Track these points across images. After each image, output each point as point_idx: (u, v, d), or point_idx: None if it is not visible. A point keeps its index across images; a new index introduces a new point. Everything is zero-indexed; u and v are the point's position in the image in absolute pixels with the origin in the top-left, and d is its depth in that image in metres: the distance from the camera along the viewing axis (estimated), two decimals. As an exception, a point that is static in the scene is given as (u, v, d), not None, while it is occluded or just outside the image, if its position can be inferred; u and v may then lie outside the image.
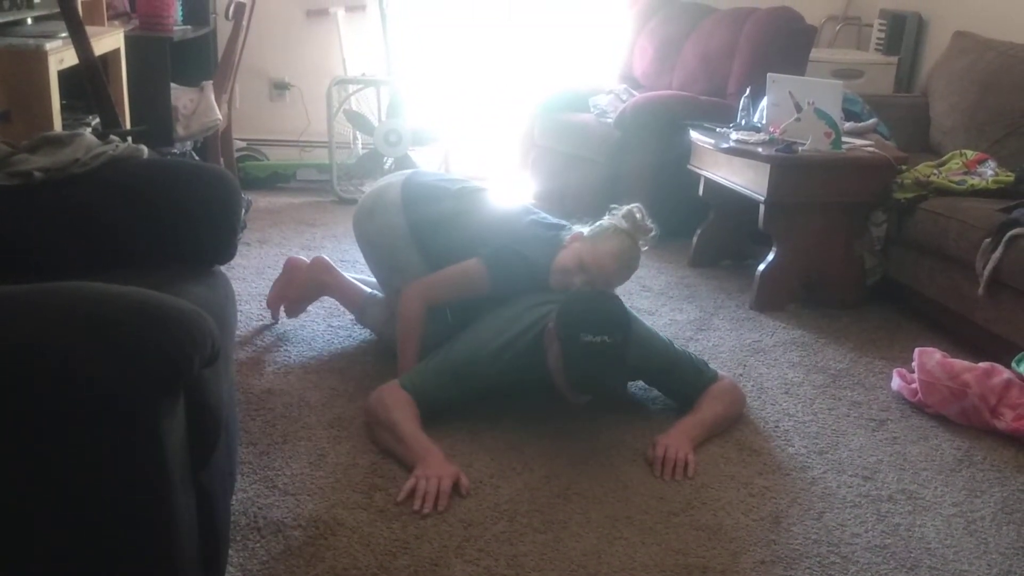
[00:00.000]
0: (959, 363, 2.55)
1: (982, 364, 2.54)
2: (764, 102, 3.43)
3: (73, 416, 1.17)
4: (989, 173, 3.15)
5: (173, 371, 1.20)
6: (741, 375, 2.74)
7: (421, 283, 2.48)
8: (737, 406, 2.46)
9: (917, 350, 2.63)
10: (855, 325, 3.19)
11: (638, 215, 2.50)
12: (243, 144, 4.72)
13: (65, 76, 2.66)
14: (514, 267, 2.43)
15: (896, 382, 2.67)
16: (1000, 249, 2.70)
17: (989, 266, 2.72)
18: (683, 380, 2.45)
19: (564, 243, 2.48)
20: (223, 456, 1.71)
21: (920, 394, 2.55)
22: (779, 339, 3.04)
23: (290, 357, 2.66)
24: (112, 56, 3.12)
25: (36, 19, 2.83)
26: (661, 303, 3.30)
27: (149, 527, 1.24)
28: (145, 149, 2.05)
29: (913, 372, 2.61)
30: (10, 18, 2.64)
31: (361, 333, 2.86)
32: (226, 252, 1.96)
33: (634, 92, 4.25)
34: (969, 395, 2.46)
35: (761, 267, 3.31)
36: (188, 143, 3.83)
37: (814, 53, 4.24)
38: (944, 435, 2.44)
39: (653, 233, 2.48)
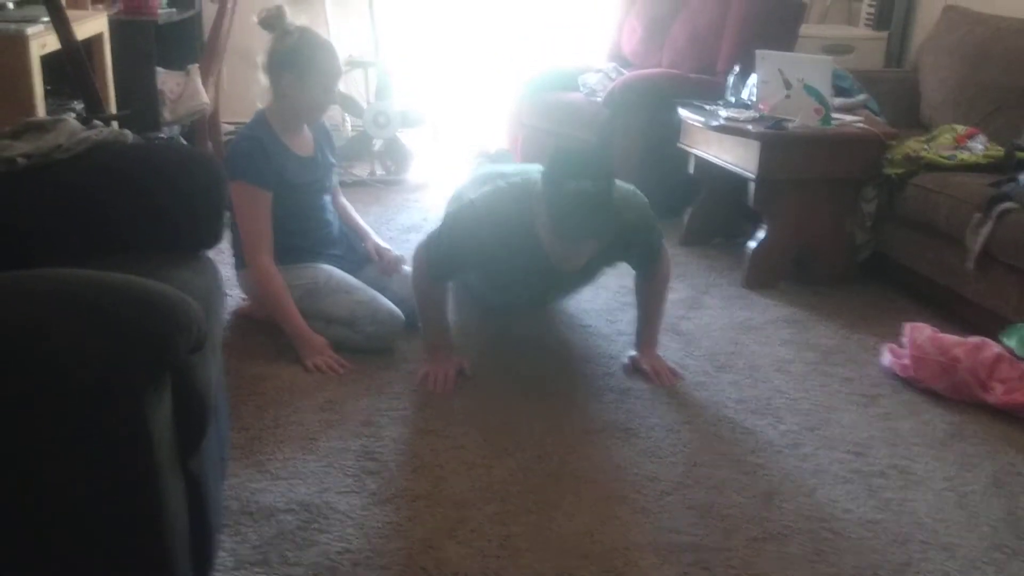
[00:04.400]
0: (949, 338, 2.56)
1: (972, 338, 2.55)
2: (753, 79, 3.42)
3: (57, 401, 1.16)
4: (979, 148, 3.14)
5: (158, 356, 1.19)
6: (733, 353, 2.74)
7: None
8: (667, 290, 2.66)
9: (907, 325, 2.63)
10: (846, 302, 3.19)
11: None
12: (232, 128, 4.68)
13: (49, 61, 2.63)
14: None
15: (887, 358, 2.67)
16: (990, 224, 2.70)
17: (979, 241, 2.72)
18: (644, 256, 2.53)
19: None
20: (213, 443, 1.70)
21: (911, 369, 2.56)
22: (770, 317, 3.04)
23: (280, 341, 2.64)
24: (96, 40, 3.09)
25: (18, 3, 2.80)
26: (652, 282, 3.29)
27: (137, 513, 1.24)
28: (129, 134, 2.03)
29: (904, 347, 2.61)
30: (-10, 3, 2.61)
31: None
32: (212, 237, 1.93)
33: (623, 71, 4.23)
34: (959, 369, 2.46)
35: (752, 245, 3.31)
36: (176, 127, 3.79)
37: (804, 29, 4.22)
38: (935, 410, 2.45)
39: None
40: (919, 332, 2.58)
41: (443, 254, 2.39)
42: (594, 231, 2.15)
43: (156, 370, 1.22)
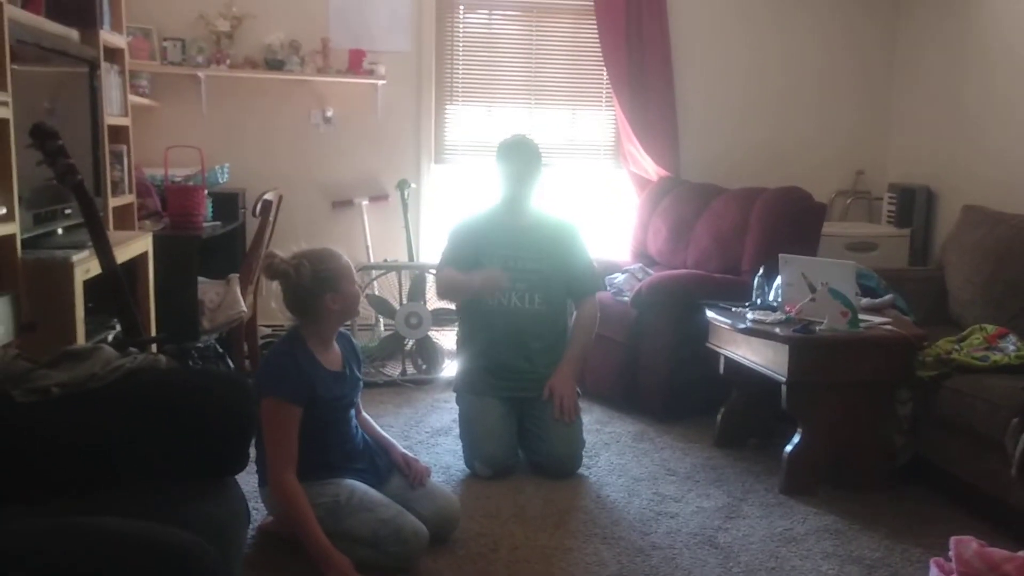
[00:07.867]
0: (997, 552, 2.44)
1: (1021, 553, 2.43)
2: (778, 281, 3.46)
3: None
4: (1011, 348, 3.11)
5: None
6: (774, 568, 2.64)
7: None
8: (595, 325, 3.56)
9: (953, 539, 2.52)
10: (888, 508, 3.08)
11: None
12: (268, 331, 4.80)
13: (90, 281, 2.74)
14: None
15: (934, 572, 2.54)
16: (1030, 429, 2.63)
17: (1020, 447, 2.65)
18: (581, 290, 3.55)
19: None
20: None
21: (961, 587, 2.43)
22: (811, 526, 2.93)
23: (303, 559, 2.58)
24: (141, 258, 3.22)
25: (67, 228, 2.94)
26: (687, 488, 3.22)
27: None
28: (163, 359, 2.09)
29: (951, 561, 2.49)
30: (41, 231, 2.75)
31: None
32: (238, 462, 1.95)
33: (649, 271, 4.32)
34: (1012, 588, 2.34)
35: (788, 449, 3.24)
36: (213, 335, 3.89)
37: (827, 227, 4.31)
38: (990, 633, 2.31)
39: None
40: (965, 546, 2.47)
41: (448, 244, 3.54)
42: (520, 155, 3.45)
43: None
